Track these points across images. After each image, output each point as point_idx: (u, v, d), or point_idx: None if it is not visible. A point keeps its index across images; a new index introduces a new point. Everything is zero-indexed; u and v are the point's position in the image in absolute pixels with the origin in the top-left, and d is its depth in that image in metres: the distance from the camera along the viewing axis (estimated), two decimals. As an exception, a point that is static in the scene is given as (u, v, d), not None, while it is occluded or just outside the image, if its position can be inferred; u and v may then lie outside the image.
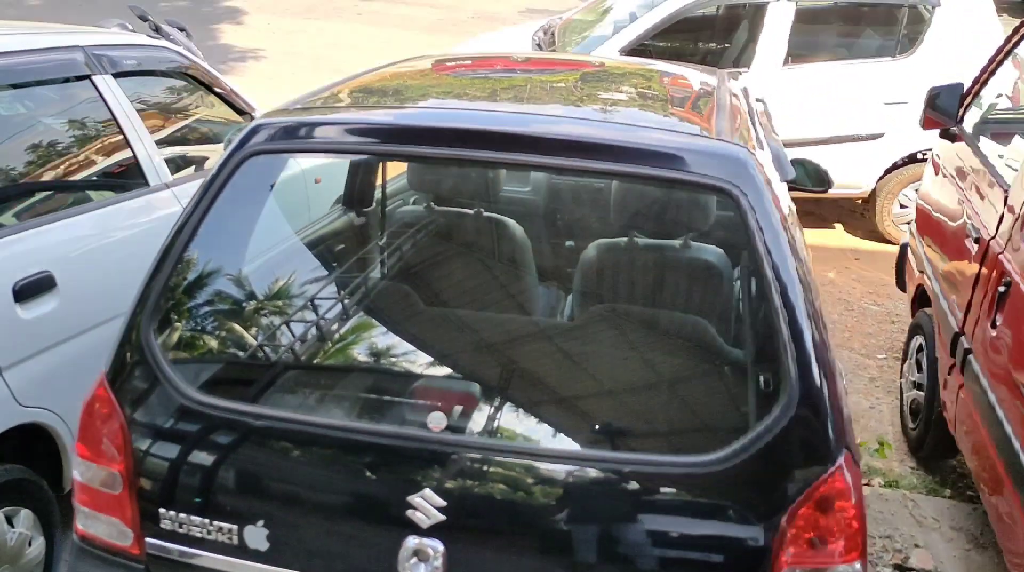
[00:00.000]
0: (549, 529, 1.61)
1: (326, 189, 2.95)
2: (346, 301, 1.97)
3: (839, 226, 6.86)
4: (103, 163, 3.04)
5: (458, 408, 1.66)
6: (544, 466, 1.61)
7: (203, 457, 1.72)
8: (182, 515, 1.71)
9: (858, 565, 1.59)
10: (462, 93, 2.31)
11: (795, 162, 3.78)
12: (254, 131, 1.84)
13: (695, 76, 2.84)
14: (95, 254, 2.77)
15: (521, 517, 1.63)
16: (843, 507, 1.58)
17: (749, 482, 1.57)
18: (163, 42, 3.75)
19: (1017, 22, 3.71)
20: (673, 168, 1.72)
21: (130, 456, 1.74)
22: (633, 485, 1.59)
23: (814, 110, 6.02)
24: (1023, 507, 2.52)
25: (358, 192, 2.87)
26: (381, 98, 2.09)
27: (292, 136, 1.83)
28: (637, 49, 6.02)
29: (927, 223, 4.12)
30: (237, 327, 1.86)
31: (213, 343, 1.83)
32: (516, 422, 1.71)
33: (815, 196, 6.58)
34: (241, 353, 1.85)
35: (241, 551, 1.69)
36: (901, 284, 4.56)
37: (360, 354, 1.90)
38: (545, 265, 2.38)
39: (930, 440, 3.71)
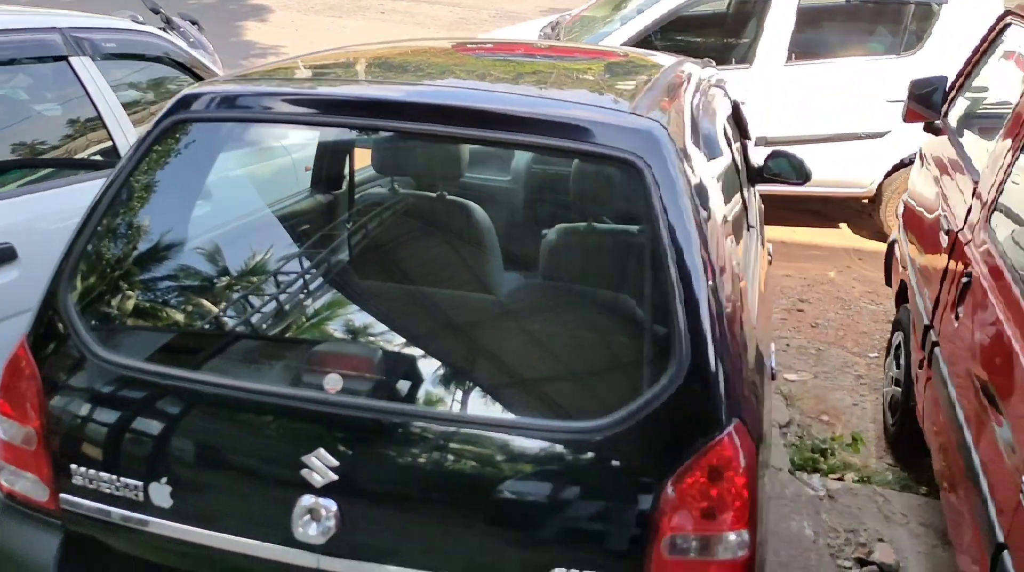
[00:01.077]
0: (439, 491, 1.64)
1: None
2: (259, 268, 2.01)
3: (844, 226, 6.79)
4: (76, 143, 3.11)
5: (356, 372, 1.68)
6: (436, 429, 1.63)
7: (110, 415, 1.77)
8: (91, 472, 1.76)
9: (745, 535, 1.59)
10: (406, 69, 2.34)
11: (778, 155, 3.77)
12: (180, 100, 1.89)
13: (662, 62, 2.84)
14: (61, 230, 2.84)
15: (412, 479, 1.65)
16: (730, 477, 1.58)
17: (634, 448, 1.58)
18: (148, 28, 3.83)
19: None
20: (579, 140, 1.73)
21: (45, 414, 1.79)
22: (522, 448, 1.61)
23: (817, 108, 5.97)
24: (973, 503, 2.49)
25: (325, 175, 2.91)
26: (317, 72, 2.13)
27: (215, 105, 1.87)
28: (640, 44, 6.01)
29: (910, 218, 4.07)
30: (148, 290, 1.90)
31: (125, 305, 1.88)
32: (412, 386, 1.74)
33: (822, 195, 6.53)
34: (151, 315, 1.90)
35: (146, 507, 1.73)
36: (889, 281, 4.51)
37: (267, 318, 1.94)
38: (492, 245, 2.40)
39: (905, 437, 3.66)
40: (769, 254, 3.44)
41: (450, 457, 1.64)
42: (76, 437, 1.78)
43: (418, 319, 1.91)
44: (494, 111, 1.77)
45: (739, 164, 3.02)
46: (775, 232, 6.62)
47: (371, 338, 1.85)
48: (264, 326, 1.92)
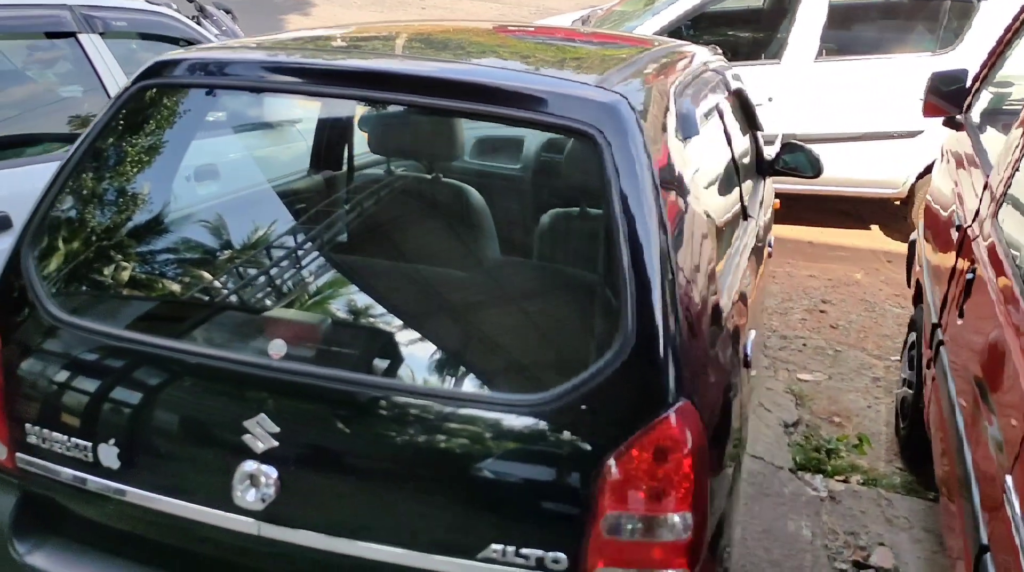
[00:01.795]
0: (376, 461, 1.62)
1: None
2: (216, 234, 2.01)
3: (875, 228, 6.63)
4: (81, 118, 3.16)
5: (301, 339, 1.67)
6: (377, 398, 1.61)
7: (63, 376, 1.78)
8: (45, 431, 1.77)
9: (688, 518, 1.54)
10: (393, 43, 2.33)
11: (792, 148, 3.69)
12: (150, 67, 1.90)
13: (668, 45, 2.80)
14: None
15: (350, 448, 1.63)
16: (675, 457, 1.53)
17: (576, 424, 1.54)
18: (164, 9, 3.87)
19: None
20: (536, 110, 1.70)
21: (3, 373, 1.81)
22: (463, 420, 1.58)
23: (848, 106, 5.84)
24: (963, 505, 2.40)
25: (324, 154, 2.91)
26: (295, 44, 2.12)
27: (184, 71, 1.88)
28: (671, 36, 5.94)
29: (929, 216, 3.96)
30: (105, 253, 1.91)
31: (83, 268, 1.89)
32: (357, 355, 1.72)
33: (853, 196, 6.38)
34: (107, 278, 1.91)
35: (95, 468, 1.73)
36: (910, 281, 4.39)
37: (218, 283, 1.93)
38: (482, 226, 2.38)
39: (914, 440, 3.55)
40: (769, 246, 3.36)
41: (389, 427, 1.62)
42: (31, 397, 1.79)
43: (371, 289, 1.89)
44: (450, 79, 1.75)
45: (737, 151, 2.95)
46: (802, 232, 6.49)
47: (320, 306, 1.84)
48: (214, 291, 1.92)
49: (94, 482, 1.74)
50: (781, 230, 6.65)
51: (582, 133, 1.67)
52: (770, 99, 5.93)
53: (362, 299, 1.87)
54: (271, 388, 1.64)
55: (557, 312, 1.86)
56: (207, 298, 1.89)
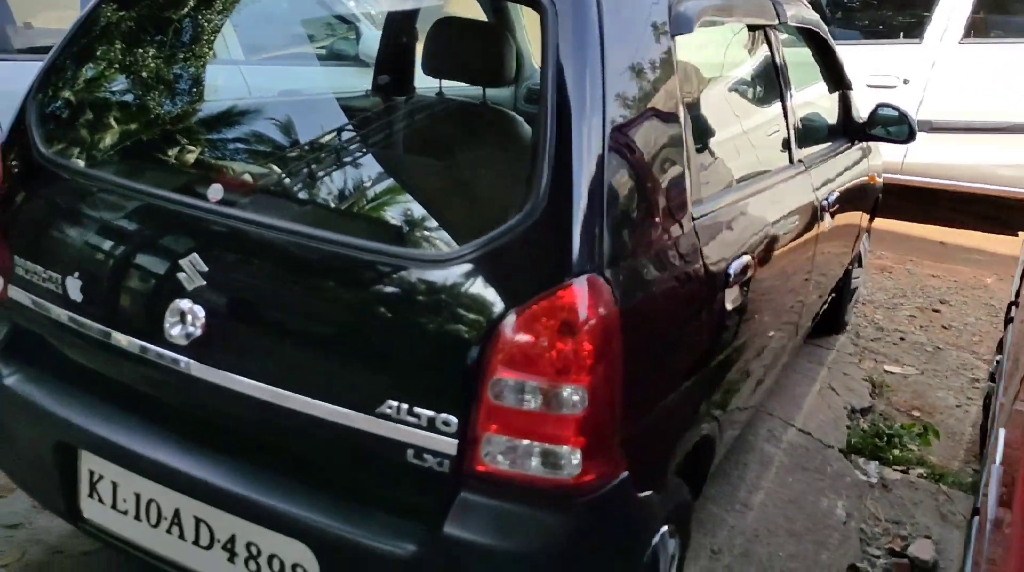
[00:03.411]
0: (289, 309, 1.65)
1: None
2: (187, 90, 2.09)
3: (1023, 234, 6.05)
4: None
5: (241, 185, 1.73)
6: (298, 245, 1.63)
7: (43, 211, 1.93)
8: (28, 263, 1.92)
9: (583, 392, 1.47)
10: None
11: (885, 106, 3.48)
12: None
13: None
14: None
15: (268, 293, 1.67)
16: (570, 328, 1.47)
17: (478, 284, 1.50)
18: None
19: None
20: None
21: (3, 209, 1.98)
22: (372, 273, 1.58)
23: (992, 93, 5.37)
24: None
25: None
26: None
27: None
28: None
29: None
30: (93, 99, 2.05)
31: (70, 113, 2.03)
32: (281, 204, 1.76)
33: (996, 195, 5.85)
34: (89, 121, 2.04)
35: (64, 300, 1.86)
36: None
37: (181, 132, 2.01)
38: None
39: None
40: (829, 205, 3.10)
41: (303, 276, 1.65)
42: (19, 230, 1.95)
43: (302, 150, 1.91)
44: None
45: (792, 93, 2.79)
46: (934, 231, 6.06)
47: (260, 161, 1.89)
48: (174, 141, 2.01)
49: (62, 314, 1.87)
50: (910, 228, 6.22)
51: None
52: (906, 81, 5.56)
53: (295, 155, 1.90)
54: (205, 229, 1.71)
55: (479, 174, 1.84)
56: (167, 146, 1.99)
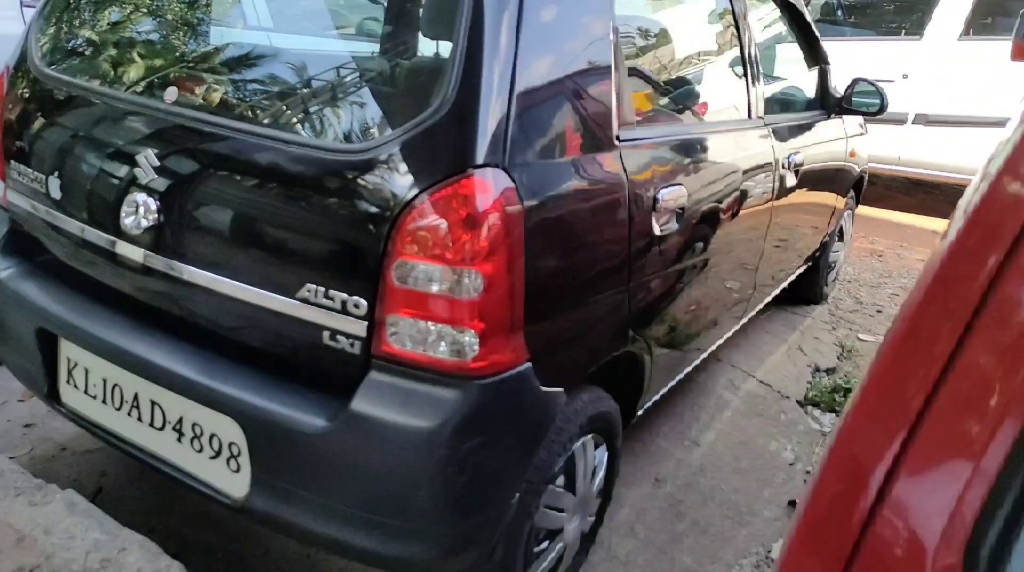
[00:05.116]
0: (223, 200, 1.81)
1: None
2: (161, 16, 2.27)
3: None
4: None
5: (191, 88, 1.90)
6: (230, 139, 1.79)
7: (31, 118, 2.14)
8: (21, 167, 2.13)
9: (479, 278, 1.59)
10: None
11: (860, 80, 3.62)
12: None
13: None
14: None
15: (206, 186, 1.83)
16: (470, 216, 1.58)
17: (387, 174, 1.62)
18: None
19: None
20: None
21: (2, 120, 2.20)
22: (295, 164, 1.71)
23: (993, 89, 5.45)
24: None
25: None
26: None
27: None
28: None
29: None
30: (74, 16, 2.25)
31: (63, 31, 2.24)
32: (226, 104, 1.90)
33: None
34: (81, 37, 2.24)
35: (48, 198, 2.06)
36: None
37: (145, 43, 2.19)
38: None
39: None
40: (792, 164, 3.22)
41: (235, 170, 1.80)
42: (13, 137, 2.16)
43: (244, 57, 2.04)
44: None
45: (754, 52, 2.92)
46: (931, 222, 6.13)
47: (210, 69, 2.05)
48: (144, 52, 2.18)
49: (46, 213, 2.08)
50: (906, 218, 6.31)
51: None
52: (905, 76, 5.67)
53: (242, 65, 2.03)
54: (160, 127, 1.89)
55: (395, 70, 1.95)
56: (136, 55, 2.16)
